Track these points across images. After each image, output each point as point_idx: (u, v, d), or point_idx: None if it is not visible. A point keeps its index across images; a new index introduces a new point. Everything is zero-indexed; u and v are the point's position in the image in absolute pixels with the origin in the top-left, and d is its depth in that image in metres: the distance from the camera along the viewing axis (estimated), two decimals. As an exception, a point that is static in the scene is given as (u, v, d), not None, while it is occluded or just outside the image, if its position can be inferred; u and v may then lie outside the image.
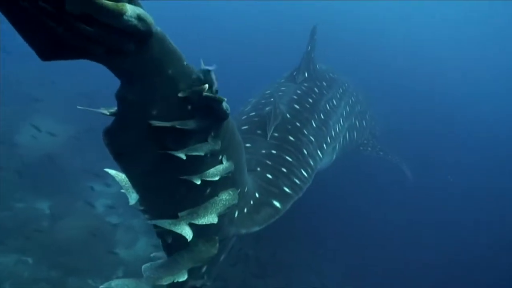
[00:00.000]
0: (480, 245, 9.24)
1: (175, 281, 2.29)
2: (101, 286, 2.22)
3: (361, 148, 8.28)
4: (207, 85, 1.93)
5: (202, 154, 2.12)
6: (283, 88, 5.86)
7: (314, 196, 8.92)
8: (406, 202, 9.97)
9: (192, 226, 2.23)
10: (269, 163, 3.81)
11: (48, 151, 9.19)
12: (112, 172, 2.37)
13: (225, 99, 2.02)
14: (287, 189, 3.59)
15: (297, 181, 3.86)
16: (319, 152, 4.88)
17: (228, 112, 2.11)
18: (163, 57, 1.77)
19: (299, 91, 5.70)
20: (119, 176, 2.35)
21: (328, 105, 6.07)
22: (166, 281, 2.27)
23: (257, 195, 3.23)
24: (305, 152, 4.47)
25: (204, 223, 2.25)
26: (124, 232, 8.27)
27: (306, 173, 4.19)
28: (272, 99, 5.18)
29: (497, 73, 22.03)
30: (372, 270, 8.22)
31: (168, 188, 2.22)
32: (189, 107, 1.97)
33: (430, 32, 25.69)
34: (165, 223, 2.20)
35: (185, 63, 1.90)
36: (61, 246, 7.14)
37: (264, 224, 3.08)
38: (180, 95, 1.90)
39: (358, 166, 10.14)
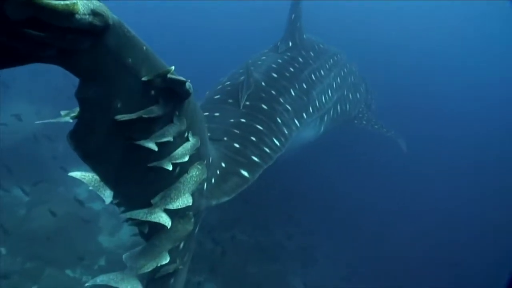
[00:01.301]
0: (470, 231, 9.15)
1: (158, 265, 2.29)
2: (87, 284, 2.22)
3: (356, 121, 8.14)
4: (172, 67, 1.92)
5: (171, 139, 2.10)
6: (263, 58, 5.70)
7: (303, 184, 9.12)
8: (398, 188, 9.80)
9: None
10: (237, 132, 3.76)
11: (27, 135, 8.73)
12: (77, 174, 2.25)
13: (189, 80, 2.01)
14: (255, 158, 3.53)
15: (267, 149, 3.79)
16: (296, 121, 4.78)
17: (191, 91, 2.07)
18: (121, 47, 1.71)
19: (280, 60, 5.56)
20: (86, 177, 2.23)
21: (314, 75, 5.92)
22: (149, 267, 2.26)
23: (223, 164, 3.19)
24: (279, 121, 4.38)
25: (179, 207, 2.23)
26: (107, 218, 7.91)
27: (279, 142, 4.12)
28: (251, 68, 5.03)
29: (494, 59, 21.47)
30: (364, 263, 8.11)
31: (139, 177, 2.19)
32: (153, 92, 1.93)
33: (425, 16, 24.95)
34: (140, 214, 2.14)
35: (144, 48, 1.84)
36: (39, 235, 6.78)
37: (233, 193, 3.08)
38: (144, 79, 1.85)
39: (349, 148, 9.96)
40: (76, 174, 2.27)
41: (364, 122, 8.21)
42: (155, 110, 1.95)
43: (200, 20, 21.77)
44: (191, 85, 2.06)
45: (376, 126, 8.33)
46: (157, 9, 22.19)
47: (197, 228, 2.98)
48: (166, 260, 2.32)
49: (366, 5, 23.08)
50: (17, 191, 7.59)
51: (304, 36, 6.37)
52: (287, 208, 8.26)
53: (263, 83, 4.79)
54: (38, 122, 2.26)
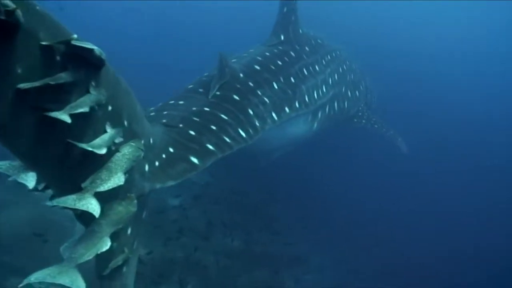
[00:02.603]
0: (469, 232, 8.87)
1: (99, 252, 2.16)
2: (19, 286, 1.98)
3: (355, 120, 8.01)
4: (75, 35, 1.90)
5: (87, 109, 2.01)
6: (251, 50, 5.66)
7: (297, 181, 8.76)
8: (395, 188, 9.55)
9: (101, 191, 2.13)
10: (197, 120, 3.74)
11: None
12: None
13: (96, 47, 1.97)
14: (210, 146, 3.52)
15: (227, 139, 3.79)
16: (274, 115, 4.72)
17: (103, 58, 2.02)
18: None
19: (267, 53, 5.51)
20: (2, 166, 2.13)
21: (306, 69, 5.88)
22: (89, 255, 2.12)
23: (171, 149, 3.18)
24: (251, 113, 4.36)
25: (111, 187, 2.14)
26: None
27: (245, 133, 4.11)
28: (234, 60, 5.09)
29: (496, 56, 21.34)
30: (363, 262, 7.83)
31: (61, 156, 2.09)
32: (58, 58, 1.88)
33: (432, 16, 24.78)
34: (68, 201, 2.01)
35: (37, 8, 1.76)
36: (4, 242, 6.07)
37: (179, 178, 3.07)
38: (43, 43, 1.79)
39: (346, 148, 9.73)
40: None
41: (363, 121, 8.11)
42: (63, 77, 1.89)
43: (203, 18, 21.41)
44: (102, 52, 2.00)
45: (376, 126, 8.20)
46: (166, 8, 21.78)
47: (145, 212, 2.91)
48: (106, 245, 2.19)
49: (371, 5, 22.82)
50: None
51: (300, 31, 6.27)
52: (279, 211, 7.96)
53: (241, 75, 4.74)
54: None
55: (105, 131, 2.26)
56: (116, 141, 2.31)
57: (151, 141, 2.86)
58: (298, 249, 7.70)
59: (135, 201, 2.45)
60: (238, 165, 8.43)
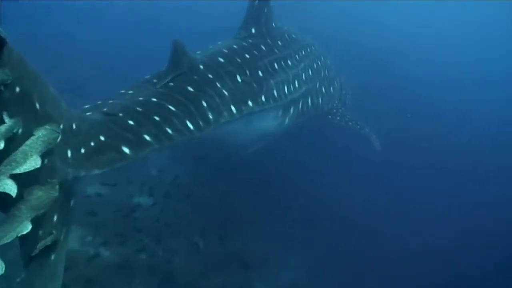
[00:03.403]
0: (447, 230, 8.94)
1: (18, 234, 2.22)
2: None
3: (330, 116, 7.92)
4: None
5: None
6: (219, 43, 5.51)
7: (277, 177, 8.52)
8: (378, 184, 9.47)
9: (19, 175, 2.16)
10: (139, 109, 3.65)
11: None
12: None
13: None
14: (147, 137, 3.46)
15: (169, 130, 3.72)
16: (233, 108, 4.63)
17: (3, 36, 1.99)
18: None
19: (235, 46, 5.38)
20: None
21: (278, 63, 5.78)
22: (9, 238, 2.17)
23: (102, 138, 3.13)
24: (204, 105, 4.27)
25: (27, 170, 2.18)
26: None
27: (194, 125, 4.02)
28: (198, 52, 4.99)
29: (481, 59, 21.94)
30: (343, 263, 7.65)
31: None
32: None
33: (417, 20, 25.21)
34: None
35: None
36: None
37: (105, 167, 3.04)
38: None
39: (326, 142, 9.59)
40: None
41: (338, 118, 8.03)
42: None
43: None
44: (2, 31, 1.97)
45: (350, 123, 8.13)
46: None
47: (73, 200, 2.88)
48: (27, 228, 2.24)
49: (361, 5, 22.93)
50: None
51: (274, 25, 6.12)
52: (256, 212, 7.67)
53: (201, 66, 4.60)
54: None
55: (3, 122, 2.21)
56: (15, 131, 2.26)
57: (74, 126, 2.85)
58: (268, 248, 7.48)
59: (57, 187, 2.46)
60: (209, 160, 8.28)
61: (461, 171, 10.95)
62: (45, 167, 2.37)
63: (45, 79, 2.52)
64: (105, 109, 3.49)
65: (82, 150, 2.93)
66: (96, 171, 2.99)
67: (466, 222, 8.98)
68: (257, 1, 5.75)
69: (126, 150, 3.24)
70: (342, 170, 9.44)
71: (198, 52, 5.05)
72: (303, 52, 6.68)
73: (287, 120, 6.14)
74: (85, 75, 9.73)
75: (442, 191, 10.01)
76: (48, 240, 2.51)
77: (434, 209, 9.40)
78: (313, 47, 7.24)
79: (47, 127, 2.37)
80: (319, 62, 7.33)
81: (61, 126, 2.54)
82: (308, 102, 6.67)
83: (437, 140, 12.05)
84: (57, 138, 2.40)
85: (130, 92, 4.05)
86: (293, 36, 6.68)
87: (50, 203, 2.41)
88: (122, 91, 4.10)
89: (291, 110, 6.15)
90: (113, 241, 6.24)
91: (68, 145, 2.74)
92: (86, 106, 3.64)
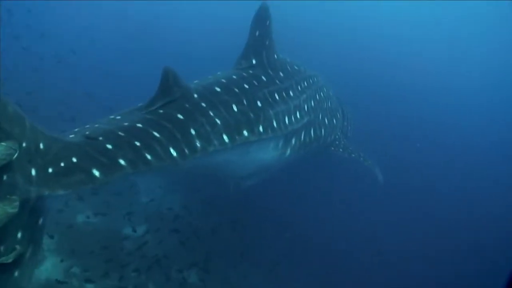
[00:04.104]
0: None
1: None
2: None
3: (332, 148, 7.78)
4: None
5: None
6: (219, 73, 5.46)
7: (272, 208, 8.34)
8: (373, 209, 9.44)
9: None
10: (121, 134, 3.62)
11: None
12: None
13: None
14: (122, 161, 3.41)
15: (148, 156, 3.65)
16: (225, 137, 4.52)
17: None
18: None
19: (234, 76, 5.34)
20: None
21: (278, 94, 5.69)
22: None
23: (74, 159, 3.13)
24: (192, 132, 4.19)
25: None
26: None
27: (178, 152, 3.94)
28: (196, 81, 5.00)
29: (478, 76, 22.33)
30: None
31: None
32: None
33: (406, 33, 25.73)
34: None
35: None
36: None
37: (70, 189, 3.02)
38: None
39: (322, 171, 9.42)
40: None
41: (340, 150, 7.86)
42: None
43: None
44: None
45: (353, 155, 7.95)
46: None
47: (41, 219, 2.88)
48: None
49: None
50: None
51: (276, 56, 6.10)
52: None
53: (195, 95, 4.54)
54: None
55: None
56: None
57: (42, 146, 2.86)
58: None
59: (16, 203, 2.47)
60: (205, 191, 7.99)
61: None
62: (4, 184, 2.44)
63: (5, 97, 2.53)
64: (87, 133, 3.50)
65: (50, 170, 2.92)
66: (61, 192, 2.95)
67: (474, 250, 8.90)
68: (257, 32, 5.72)
69: (96, 173, 3.21)
70: (338, 200, 9.32)
71: (196, 81, 4.99)
72: (305, 83, 6.62)
73: (288, 152, 6.00)
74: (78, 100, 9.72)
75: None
76: (10, 256, 2.49)
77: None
78: (315, 78, 7.21)
79: (2, 144, 2.40)
80: (321, 93, 7.27)
81: (24, 145, 2.59)
82: (310, 133, 6.56)
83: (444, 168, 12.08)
84: (13, 155, 2.43)
85: (118, 117, 4.02)
86: (296, 67, 6.64)
87: (6, 218, 2.39)
88: (112, 116, 4.06)
89: (293, 141, 6.02)
90: (98, 273, 5.87)
91: (32, 163, 2.74)
92: (76, 129, 3.71)
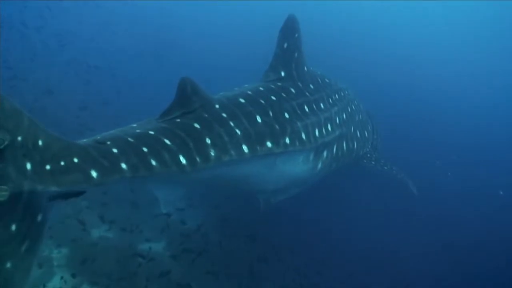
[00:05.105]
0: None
1: None
2: None
3: (365, 161, 7.66)
4: None
5: None
6: (246, 85, 5.34)
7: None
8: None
9: None
10: (130, 140, 3.62)
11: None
12: None
13: None
14: (123, 165, 3.41)
15: (153, 162, 3.60)
16: (244, 147, 4.39)
17: None
18: None
19: (261, 88, 5.22)
20: None
21: (307, 106, 5.58)
22: None
23: (75, 159, 3.17)
24: (207, 142, 4.10)
25: None
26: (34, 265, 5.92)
27: (187, 160, 3.84)
28: (221, 93, 4.92)
29: (491, 76, 21.69)
30: None
31: None
32: None
33: (419, 34, 25.37)
34: None
35: None
36: None
37: (64, 186, 3.04)
38: None
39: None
40: None
41: (372, 162, 7.75)
42: None
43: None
44: None
45: (385, 167, 7.86)
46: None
47: (40, 216, 2.92)
48: None
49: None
50: None
51: (306, 69, 5.98)
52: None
53: (217, 106, 4.46)
54: None
55: None
56: None
57: (41, 143, 2.92)
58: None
59: (6, 193, 2.54)
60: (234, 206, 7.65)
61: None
62: None
63: (3, 94, 2.55)
64: (98, 137, 3.55)
65: (48, 167, 2.97)
66: (54, 188, 2.98)
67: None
68: (286, 44, 5.60)
69: (93, 173, 3.21)
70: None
71: (222, 93, 4.86)
72: (336, 96, 6.54)
73: (320, 165, 5.80)
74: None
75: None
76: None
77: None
78: (346, 91, 7.19)
79: None
80: (353, 106, 7.23)
81: (19, 139, 2.67)
82: (343, 146, 6.44)
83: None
84: (1, 144, 2.51)
85: (134, 125, 4.03)
86: (326, 80, 6.56)
87: None
88: (133, 125, 4.06)
89: (324, 155, 5.87)
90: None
91: (28, 158, 2.79)
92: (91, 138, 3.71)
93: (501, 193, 11.23)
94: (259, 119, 4.68)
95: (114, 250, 6.31)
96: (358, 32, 23.67)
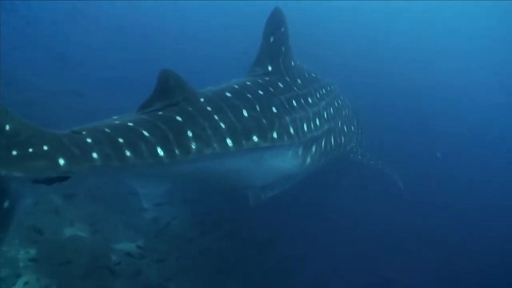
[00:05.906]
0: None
1: None
2: None
3: (352, 155, 7.76)
4: None
5: None
6: (234, 80, 5.23)
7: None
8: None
9: None
10: (107, 130, 3.55)
11: None
12: None
13: None
14: (94, 154, 3.33)
15: (128, 153, 3.51)
16: (229, 141, 4.28)
17: None
18: None
19: (248, 82, 5.13)
20: None
21: (295, 101, 5.53)
22: None
23: (45, 147, 3.12)
24: (189, 134, 3.99)
25: None
26: (-1, 265, 5.67)
27: (165, 152, 3.73)
28: (209, 87, 4.82)
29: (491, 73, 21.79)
30: None
31: None
32: None
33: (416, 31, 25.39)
34: None
35: None
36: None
37: (31, 173, 3.01)
38: None
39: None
40: None
41: (359, 156, 7.85)
42: None
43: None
44: None
45: (371, 162, 7.97)
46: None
47: (6, 203, 2.92)
48: None
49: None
50: None
51: (293, 63, 5.93)
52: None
53: (201, 99, 4.36)
54: None
55: None
56: None
57: (8, 128, 2.93)
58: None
59: None
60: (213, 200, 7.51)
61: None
62: None
63: None
64: (76, 128, 3.47)
65: (14, 152, 2.94)
66: (18, 174, 2.91)
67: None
68: (272, 38, 5.52)
69: (61, 161, 3.12)
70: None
71: (209, 87, 4.73)
72: (323, 90, 6.53)
73: (309, 160, 5.78)
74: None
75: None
76: None
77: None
78: (332, 86, 7.17)
79: None
80: (339, 101, 7.26)
81: None
82: (331, 141, 6.46)
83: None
84: None
85: (115, 117, 3.92)
86: (313, 74, 6.50)
87: None
88: (114, 117, 3.95)
89: (313, 149, 5.87)
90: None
91: None
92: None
93: (438, 155, 11.13)
94: (245, 113, 4.60)
95: (86, 250, 5.97)
96: (349, 28, 23.66)
